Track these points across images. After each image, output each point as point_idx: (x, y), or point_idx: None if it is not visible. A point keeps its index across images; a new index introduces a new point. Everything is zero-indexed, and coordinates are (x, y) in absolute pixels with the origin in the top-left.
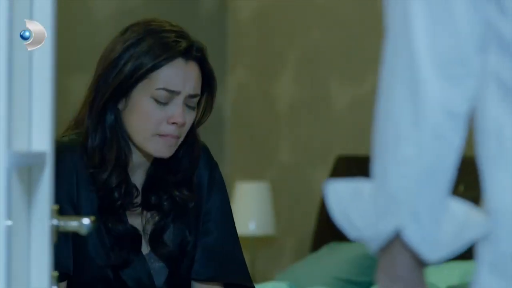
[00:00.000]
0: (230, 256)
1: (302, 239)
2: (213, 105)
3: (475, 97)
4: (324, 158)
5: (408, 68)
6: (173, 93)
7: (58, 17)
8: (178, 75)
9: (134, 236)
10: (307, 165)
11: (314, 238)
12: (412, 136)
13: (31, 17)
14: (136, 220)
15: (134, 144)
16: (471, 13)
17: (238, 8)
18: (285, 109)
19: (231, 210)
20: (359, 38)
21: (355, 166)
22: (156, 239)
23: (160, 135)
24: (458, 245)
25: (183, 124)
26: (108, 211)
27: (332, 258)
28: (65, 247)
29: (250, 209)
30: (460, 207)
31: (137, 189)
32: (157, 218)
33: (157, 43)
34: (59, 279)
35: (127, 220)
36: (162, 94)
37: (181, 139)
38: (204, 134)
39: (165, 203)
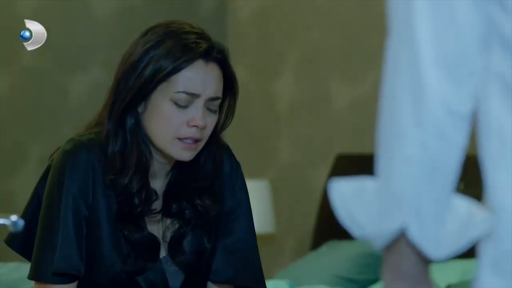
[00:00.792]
0: (249, 259)
1: (302, 237)
2: (235, 109)
3: (478, 96)
4: (324, 157)
5: (411, 67)
6: (193, 96)
7: (58, 17)
8: (198, 78)
9: (153, 243)
10: (307, 164)
11: (314, 236)
12: (415, 135)
13: None
14: (155, 227)
15: (155, 148)
16: (473, 12)
17: (238, 8)
18: (285, 109)
19: (251, 211)
20: (359, 37)
21: (355, 164)
22: (175, 246)
23: (181, 138)
24: (462, 242)
25: (204, 127)
26: (127, 217)
27: (332, 256)
28: (77, 248)
29: None
30: (464, 205)
31: (156, 194)
32: (177, 225)
33: (177, 45)
34: (70, 280)
35: (146, 226)
36: (182, 97)
37: (203, 143)
38: None
39: (186, 211)
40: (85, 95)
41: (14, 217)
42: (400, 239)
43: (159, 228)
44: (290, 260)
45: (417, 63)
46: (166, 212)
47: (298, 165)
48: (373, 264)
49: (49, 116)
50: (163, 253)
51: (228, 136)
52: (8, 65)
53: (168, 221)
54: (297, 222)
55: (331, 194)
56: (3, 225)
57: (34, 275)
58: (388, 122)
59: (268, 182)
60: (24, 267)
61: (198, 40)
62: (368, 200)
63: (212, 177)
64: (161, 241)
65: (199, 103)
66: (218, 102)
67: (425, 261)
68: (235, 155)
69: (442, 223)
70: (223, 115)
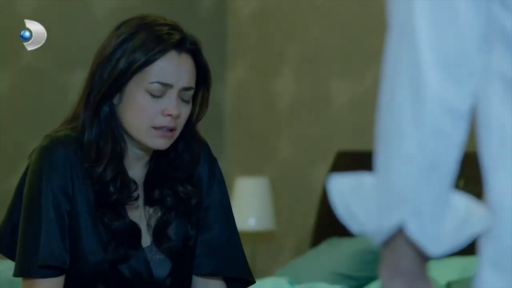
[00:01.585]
0: (230, 250)
1: (302, 234)
2: (209, 100)
3: (477, 94)
4: (324, 154)
5: (411, 67)
6: (166, 86)
7: (58, 17)
8: (171, 68)
9: (133, 231)
10: (307, 162)
11: (314, 233)
12: (414, 133)
13: None
14: (137, 215)
15: (132, 139)
16: (473, 12)
17: (238, 7)
18: (285, 107)
19: (230, 205)
20: (358, 36)
21: (355, 161)
22: (160, 234)
23: (156, 128)
24: (460, 239)
25: (178, 116)
26: (105, 205)
27: (332, 253)
28: (61, 240)
29: (250, 205)
30: (462, 202)
31: (135, 183)
32: (159, 213)
33: (150, 36)
34: (56, 273)
35: (127, 214)
36: (156, 88)
37: (178, 132)
38: (205, 131)
39: (168, 198)
40: None
41: None
42: (398, 235)
43: (141, 216)
44: (290, 257)
45: (417, 63)
46: (147, 199)
47: (298, 163)
48: (372, 261)
49: (49, 116)
50: (147, 242)
51: (229, 133)
52: (8, 65)
53: (151, 210)
54: (297, 220)
55: (329, 190)
56: None
57: (20, 271)
58: (387, 121)
59: (268, 180)
60: None
61: (171, 31)
62: (367, 196)
63: (191, 168)
64: (146, 230)
65: (173, 93)
66: (191, 92)
67: (423, 258)
68: (235, 151)
69: (441, 220)
70: (197, 106)
